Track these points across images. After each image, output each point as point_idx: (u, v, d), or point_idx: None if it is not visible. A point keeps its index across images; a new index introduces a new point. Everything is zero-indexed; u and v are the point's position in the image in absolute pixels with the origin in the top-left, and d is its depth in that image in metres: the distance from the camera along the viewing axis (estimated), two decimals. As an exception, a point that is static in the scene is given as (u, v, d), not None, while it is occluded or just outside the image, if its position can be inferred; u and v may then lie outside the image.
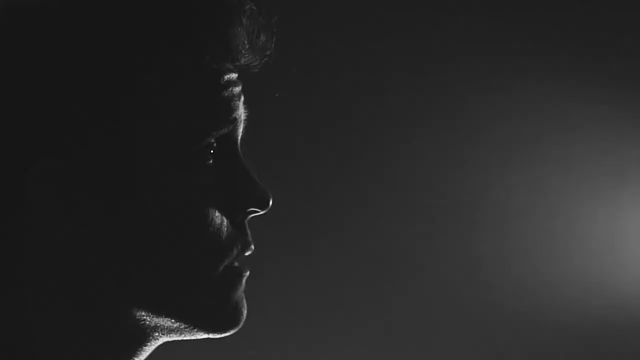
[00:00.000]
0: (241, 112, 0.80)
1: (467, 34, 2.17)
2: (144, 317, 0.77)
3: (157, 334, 0.79)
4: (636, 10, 2.16)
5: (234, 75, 0.80)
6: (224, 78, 0.78)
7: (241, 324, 0.80)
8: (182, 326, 0.78)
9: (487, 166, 2.23)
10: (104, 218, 0.75)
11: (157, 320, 0.77)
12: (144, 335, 0.78)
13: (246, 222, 0.81)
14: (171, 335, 0.79)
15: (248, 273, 0.81)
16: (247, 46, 0.79)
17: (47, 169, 0.74)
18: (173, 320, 0.78)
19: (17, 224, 0.75)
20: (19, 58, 0.75)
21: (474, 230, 2.26)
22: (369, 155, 2.24)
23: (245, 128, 0.82)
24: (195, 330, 0.79)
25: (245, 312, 0.81)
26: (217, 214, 0.78)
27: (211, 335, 0.80)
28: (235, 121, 0.79)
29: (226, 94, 0.78)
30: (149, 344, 0.79)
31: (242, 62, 0.80)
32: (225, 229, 0.78)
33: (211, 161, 0.78)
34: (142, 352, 0.80)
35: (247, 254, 0.81)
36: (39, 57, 0.75)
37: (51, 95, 0.74)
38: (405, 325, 2.28)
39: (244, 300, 0.81)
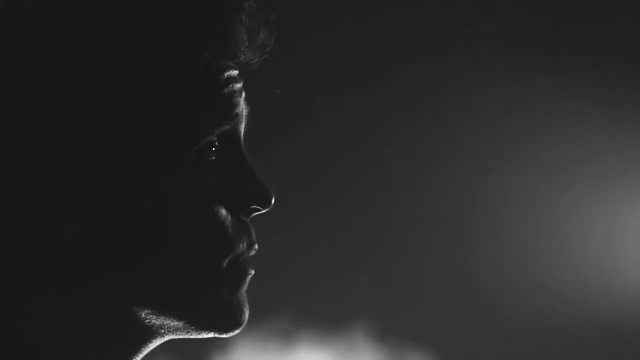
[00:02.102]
0: (243, 108, 0.80)
1: (466, 34, 2.17)
2: (149, 317, 0.77)
3: (162, 331, 0.78)
4: (636, 11, 2.17)
5: (234, 72, 0.80)
6: (224, 75, 0.78)
7: (243, 324, 0.80)
8: (186, 325, 0.78)
9: (485, 167, 2.23)
10: (105, 218, 0.75)
11: (162, 319, 0.77)
12: (148, 333, 0.78)
13: (249, 221, 0.81)
14: (177, 333, 0.79)
15: (253, 272, 0.81)
16: (246, 43, 0.79)
17: (47, 169, 0.74)
18: (177, 320, 0.78)
19: (17, 224, 0.75)
20: (18, 58, 0.75)
21: (472, 231, 2.27)
22: (368, 156, 2.24)
23: (247, 124, 0.82)
24: (199, 330, 0.79)
25: (247, 312, 0.80)
26: (219, 212, 0.77)
27: (215, 335, 0.80)
28: (237, 117, 0.79)
29: (227, 91, 0.78)
30: (154, 341, 0.79)
31: (241, 59, 0.80)
32: (228, 227, 0.78)
33: (213, 158, 0.78)
34: (145, 349, 0.79)
35: (251, 254, 0.80)
36: (38, 57, 0.75)
37: (51, 95, 0.74)
38: (403, 328, 2.28)
39: (246, 301, 0.80)
